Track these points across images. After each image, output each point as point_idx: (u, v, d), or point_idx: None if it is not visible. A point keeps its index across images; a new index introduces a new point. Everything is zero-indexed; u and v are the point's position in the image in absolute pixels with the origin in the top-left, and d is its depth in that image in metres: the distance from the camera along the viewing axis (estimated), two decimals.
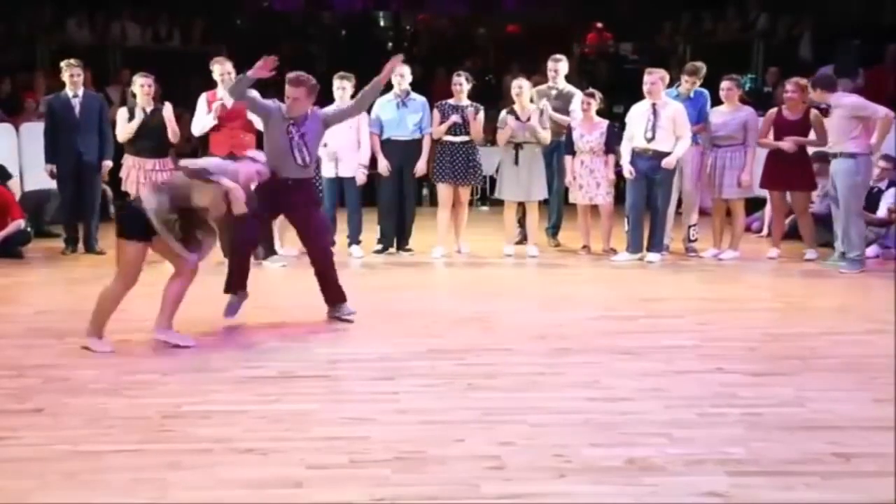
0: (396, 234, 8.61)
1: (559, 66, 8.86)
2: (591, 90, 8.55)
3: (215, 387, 4.55)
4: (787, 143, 8.12)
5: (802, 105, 8.17)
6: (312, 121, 5.85)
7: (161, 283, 5.91)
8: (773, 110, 8.43)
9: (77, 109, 8.25)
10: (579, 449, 3.71)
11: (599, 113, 8.53)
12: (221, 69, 7.88)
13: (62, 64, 8.41)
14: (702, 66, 8.53)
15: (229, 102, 7.48)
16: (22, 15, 13.31)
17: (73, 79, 8.27)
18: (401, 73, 8.35)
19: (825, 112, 8.02)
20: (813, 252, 8.20)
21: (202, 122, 7.89)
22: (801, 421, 4.06)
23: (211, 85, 8.01)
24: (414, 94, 8.47)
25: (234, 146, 7.80)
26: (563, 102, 8.78)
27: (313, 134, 5.86)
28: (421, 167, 8.46)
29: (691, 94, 8.37)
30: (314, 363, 4.97)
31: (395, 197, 8.48)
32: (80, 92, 8.32)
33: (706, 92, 8.58)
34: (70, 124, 8.25)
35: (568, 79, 9.09)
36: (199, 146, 11.30)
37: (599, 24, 16.25)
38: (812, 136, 8.19)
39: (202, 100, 7.97)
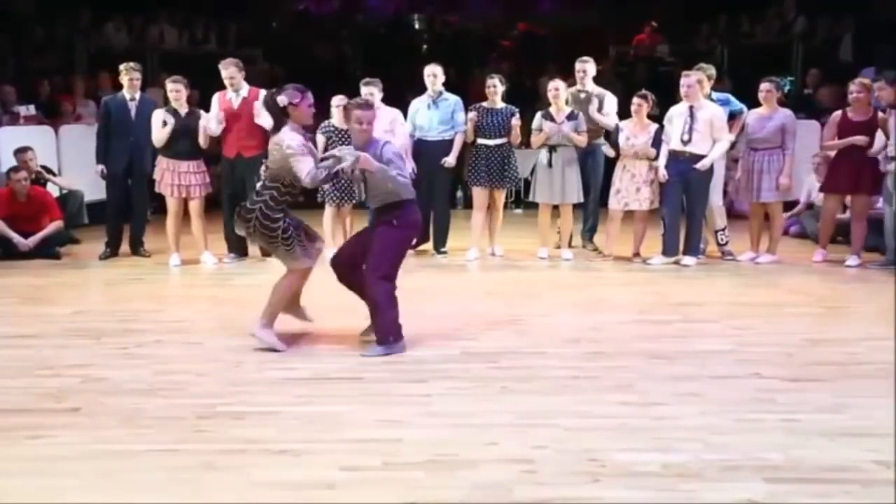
0: (433, 236, 8.63)
1: (587, 68, 8.70)
2: (643, 91, 8.36)
3: (249, 388, 4.58)
4: (861, 138, 7.90)
5: (868, 106, 8.03)
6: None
7: (198, 285, 5.98)
8: (838, 113, 8.20)
9: (133, 112, 8.32)
10: (613, 454, 3.67)
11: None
12: (225, 73, 8.01)
13: (121, 67, 8.43)
14: (707, 67, 8.32)
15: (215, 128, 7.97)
16: (61, 19, 13.47)
17: (132, 82, 8.32)
18: (433, 74, 8.37)
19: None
20: (855, 259, 8.05)
21: (210, 122, 8.02)
22: (840, 428, 4.00)
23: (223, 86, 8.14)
24: (447, 94, 8.46)
25: (241, 148, 7.99)
26: (597, 104, 8.58)
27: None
28: (450, 160, 8.39)
29: (713, 97, 8.23)
30: (347, 365, 4.97)
31: (425, 198, 8.50)
32: (137, 95, 8.40)
33: (730, 97, 8.45)
34: (125, 126, 8.31)
35: (603, 81, 8.98)
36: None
37: (654, 24, 16.00)
38: (879, 138, 7.98)
39: (214, 100, 8.14)
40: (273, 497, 3.32)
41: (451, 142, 8.40)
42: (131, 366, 4.96)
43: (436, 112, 8.37)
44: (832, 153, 8.28)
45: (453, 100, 8.47)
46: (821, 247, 8.31)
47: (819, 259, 8.17)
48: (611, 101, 8.68)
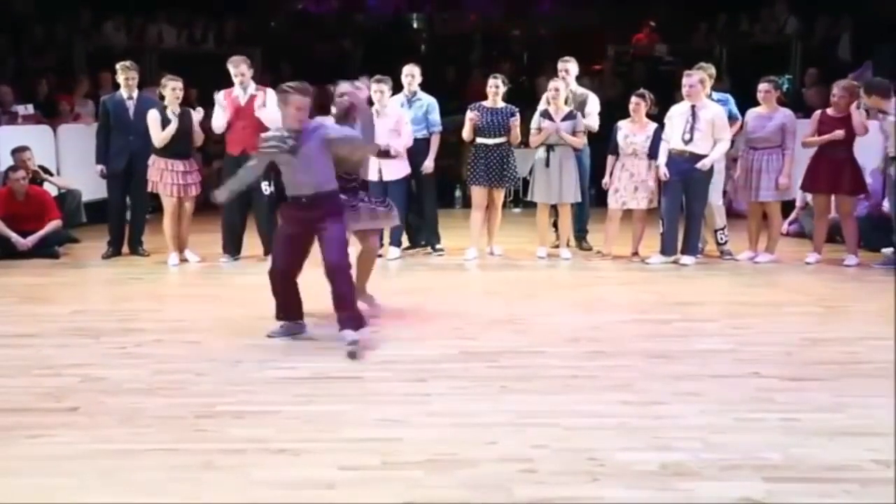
0: (427, 235, 8.61)
1: (569, 67, 8.60)
2: (641, 91, 8.33)
3: (248, 387, 4.57)
4: (838, 132, 7.89)
5: (849, 106, 8.03)
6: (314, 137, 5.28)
7: (198, 284, 5.97)
8: (819, 111, 8.26)
9: (131, 111, 8.31)
10: (613, 453, 3.68)
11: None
12: (235, 70, 8.01)
13: (117, 66, 8.46)
14: (707, 66, 8.29)
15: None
16: (60, 18, 13.46)
17: (128, 81, 8.32)
18: (411, 74, 8.37)
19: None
20: (853, 258, 8.04)
21: (219, 119, 8.03)
22: (839, 427, 4.00)
23: (230, 83, 8.13)
24: (421, 95, 8.45)
25: (247, 146, 7.83)
26: (575, 105, 8.47)
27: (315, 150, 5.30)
28: (428, 165, 8.40)
29: (713, 97, 8.21)
30: (346, 364, 4.97)
31: (411, 197, 8.52)
32: (135, 94, 8.40)
33: (729, 97, 8.44)
34: (124, 125, 8.31)
35: (603, 81, 8.95)
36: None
37: (652, 23, 16.01)
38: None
39: (219, 97, 8.12)
40: (273, 496, 3.32)
41: (424, 140, 8.38)
42: (131, 365, 4.96)
43: (408, 112, 8.33)
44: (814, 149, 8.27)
45: (427, 101, 8.45)
46: (814, 249, 8.29)
47: (812, 261, 8.16)
48: (593, 102, 8.63)
